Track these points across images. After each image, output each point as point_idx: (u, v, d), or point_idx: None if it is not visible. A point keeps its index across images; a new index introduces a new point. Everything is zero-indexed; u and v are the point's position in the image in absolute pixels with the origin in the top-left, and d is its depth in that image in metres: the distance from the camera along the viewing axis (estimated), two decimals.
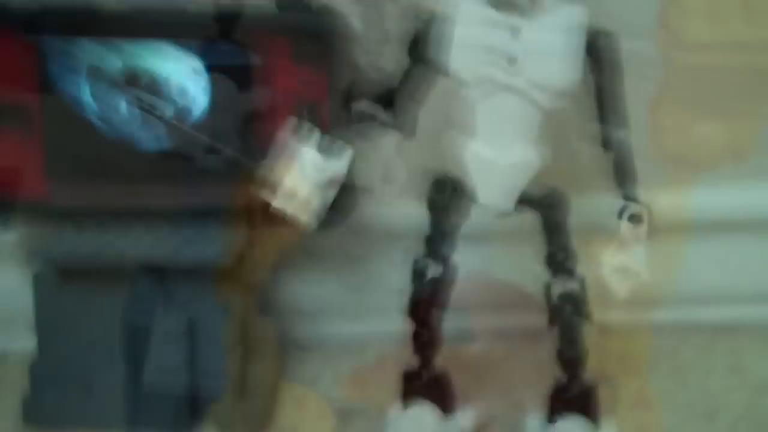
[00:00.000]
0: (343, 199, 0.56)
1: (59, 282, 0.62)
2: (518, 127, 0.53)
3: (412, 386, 0.59)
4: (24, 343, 0.63)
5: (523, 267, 0.61)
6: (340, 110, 0.59)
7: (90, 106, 0.60)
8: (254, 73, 0.60)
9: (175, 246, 0.58)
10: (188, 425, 0.62)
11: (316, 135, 0.55)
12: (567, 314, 0.55)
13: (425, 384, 0.59)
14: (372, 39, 0.64)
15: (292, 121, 0.54)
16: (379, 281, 0.68)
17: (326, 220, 0.55)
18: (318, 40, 0.59)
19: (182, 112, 0.60)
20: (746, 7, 0.64)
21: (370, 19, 0.63)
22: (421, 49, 0.54)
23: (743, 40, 0.65)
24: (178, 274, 0.61)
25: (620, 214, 0.52)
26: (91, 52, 0.59)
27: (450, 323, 0.58)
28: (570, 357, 0.56)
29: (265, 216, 0.55)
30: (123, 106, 0.60)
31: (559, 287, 0.55)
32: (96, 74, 0.60)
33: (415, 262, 0.56)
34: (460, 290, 0.58)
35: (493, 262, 0.66)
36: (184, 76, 0.60)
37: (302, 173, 0.54)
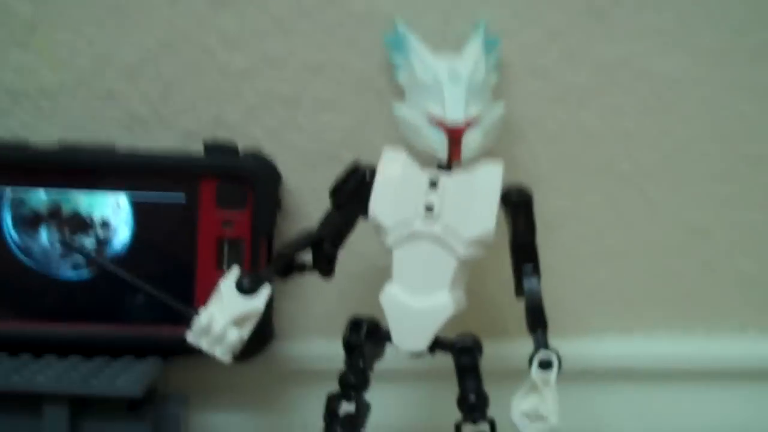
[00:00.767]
0: (258, 334, 0.57)
1: None
2: (434, 273, 0.54)
3: None
4: None
5: (436, 407, 0.62)
6: (262, 250, 0.61)
7: (11, 236, 0.61)
8: (179, 211, 0.61)
9: (86, 376, 0.58)
10: None
11: (236, 272, 0.56)
12: None
13: None
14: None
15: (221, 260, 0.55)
16: (293, 418, 0.68)
17: (241, 355, 0.56)
18: (243, 182, 0.61)
19: (103, 244, 0.61)
20: None
21: None
22: (343, 194, 0.56)
23: None
24: (88, 405, 0.60)
25: (531, 360, 0.54)
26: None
27: None
28: None
29: (181, 349, 0.55)
30: (44, 236, 0.61)
31: (470, 429, 0.56)
32: (19, 205, 0.61)
33: (329, 400, 0.57)
34: None
35: (407, 402, 0.67)
36: (107, 209, 0.61)
37: (219, 308, 0.55)
